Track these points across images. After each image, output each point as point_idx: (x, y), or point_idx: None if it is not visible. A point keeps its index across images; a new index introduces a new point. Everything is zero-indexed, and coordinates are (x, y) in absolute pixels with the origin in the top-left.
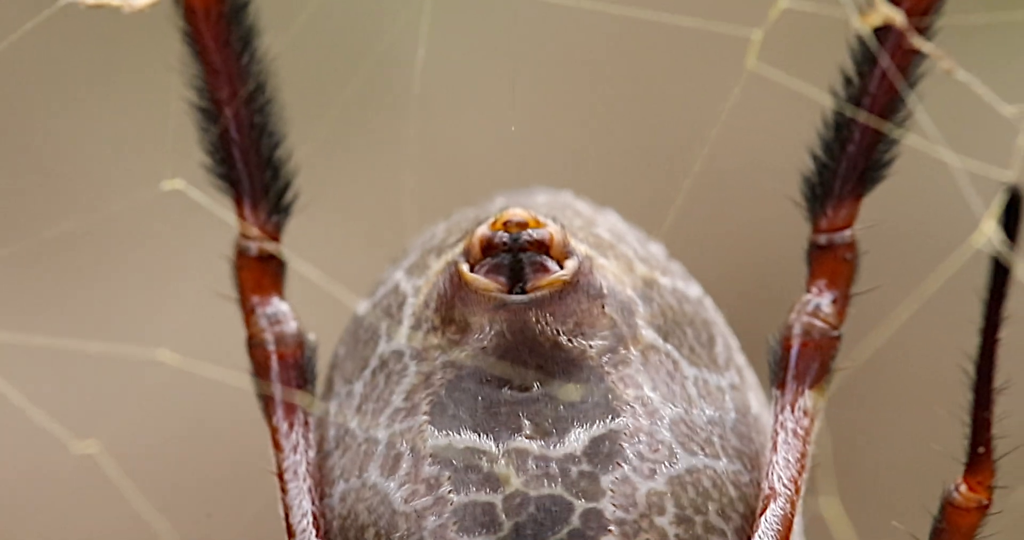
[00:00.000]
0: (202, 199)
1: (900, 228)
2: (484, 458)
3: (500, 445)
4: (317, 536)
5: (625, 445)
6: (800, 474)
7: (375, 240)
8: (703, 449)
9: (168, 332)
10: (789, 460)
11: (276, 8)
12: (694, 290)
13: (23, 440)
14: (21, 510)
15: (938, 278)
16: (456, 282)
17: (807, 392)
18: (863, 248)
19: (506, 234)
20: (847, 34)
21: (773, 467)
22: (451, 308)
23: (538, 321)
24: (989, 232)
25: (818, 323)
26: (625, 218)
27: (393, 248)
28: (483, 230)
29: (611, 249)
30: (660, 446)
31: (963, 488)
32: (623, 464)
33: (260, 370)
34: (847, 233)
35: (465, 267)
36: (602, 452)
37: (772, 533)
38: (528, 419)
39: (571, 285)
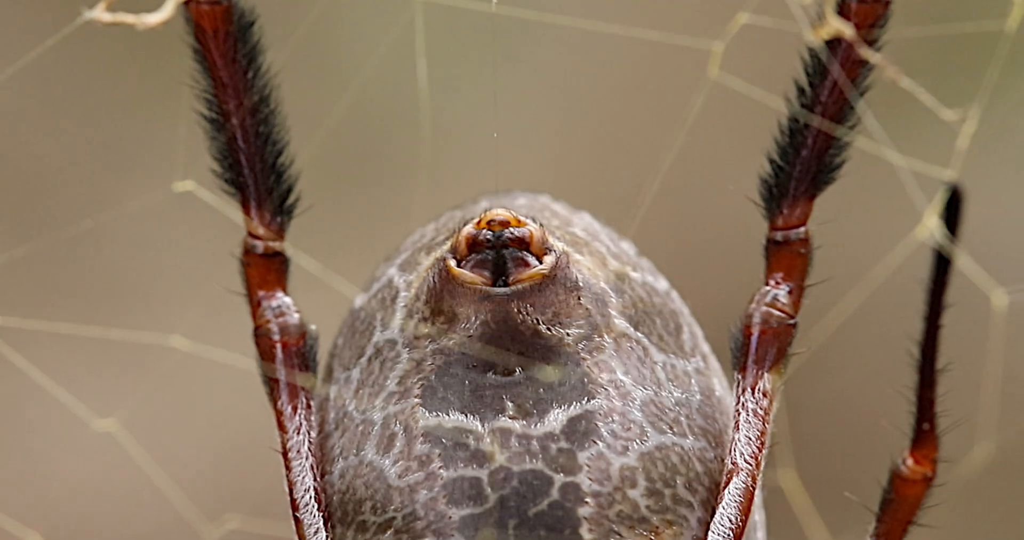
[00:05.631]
0: (211, 200)
1: (850, 224)
2: (471, 437)
3: (485, 425)
4: (319, 510)
5: (600, 424)
6: (760, 450)
7: (371, 239)
8: (671, 428)
9: (181, 321)
10: (750, 438)
11: (275, 26)
12: (662, 284)
13: (50, 418)
14: (47, 480)
15: (885, 269)
16: (445, 276)
17: (766, 375)
18: (816, 243)
19: (490, 232)
20: (801, 46)
21: (735, 444)
22: (440, 300)
23: (519, 311)
24: (932, 226)
25: (775, 312)
26: (598, 219)
27: (387, 246)
28: (469, 229)
29: (586, 246)
30: (632, 425)
31: (910, 462)
32: (598, 441)
33: (266, 358)
34: (802, 230)
35: (453, 263)
36: (579, 430)
37: (735, 504)
38: (511, 401)
39: (549, 278)
